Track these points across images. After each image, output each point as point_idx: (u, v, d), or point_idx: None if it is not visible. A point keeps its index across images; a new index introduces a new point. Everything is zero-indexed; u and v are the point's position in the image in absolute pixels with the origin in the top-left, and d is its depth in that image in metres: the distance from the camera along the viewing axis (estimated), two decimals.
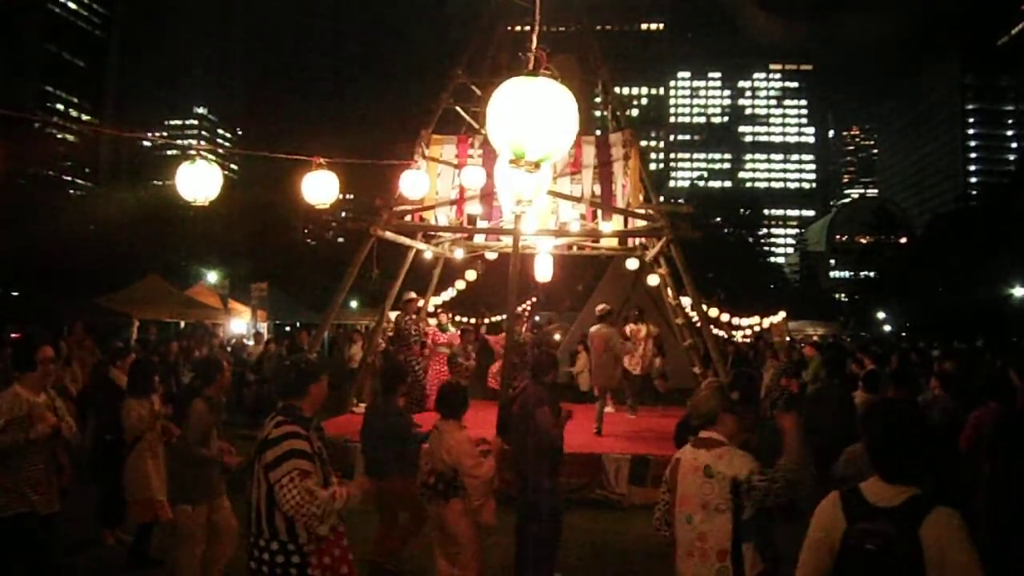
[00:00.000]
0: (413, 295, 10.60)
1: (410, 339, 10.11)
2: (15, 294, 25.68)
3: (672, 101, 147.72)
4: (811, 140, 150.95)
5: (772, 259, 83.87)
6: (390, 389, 5.34)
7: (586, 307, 17.88)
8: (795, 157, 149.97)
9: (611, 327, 9.60)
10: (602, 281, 18.50)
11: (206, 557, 4.47)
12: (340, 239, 43.59)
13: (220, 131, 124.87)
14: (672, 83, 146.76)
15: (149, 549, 5.32)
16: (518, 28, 10.88)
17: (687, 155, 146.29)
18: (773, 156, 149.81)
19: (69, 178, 65.91)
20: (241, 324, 18.32)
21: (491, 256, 12.78)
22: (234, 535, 4.57)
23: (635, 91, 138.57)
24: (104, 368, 7.29)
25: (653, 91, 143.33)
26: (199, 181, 4.79)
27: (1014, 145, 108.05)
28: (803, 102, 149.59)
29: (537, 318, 21.92)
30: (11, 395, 3.96)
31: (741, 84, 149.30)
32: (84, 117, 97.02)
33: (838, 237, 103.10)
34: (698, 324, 10.34)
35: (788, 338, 22.82)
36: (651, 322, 11.87)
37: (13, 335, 12.74)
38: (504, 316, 11.35)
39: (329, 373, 3.33)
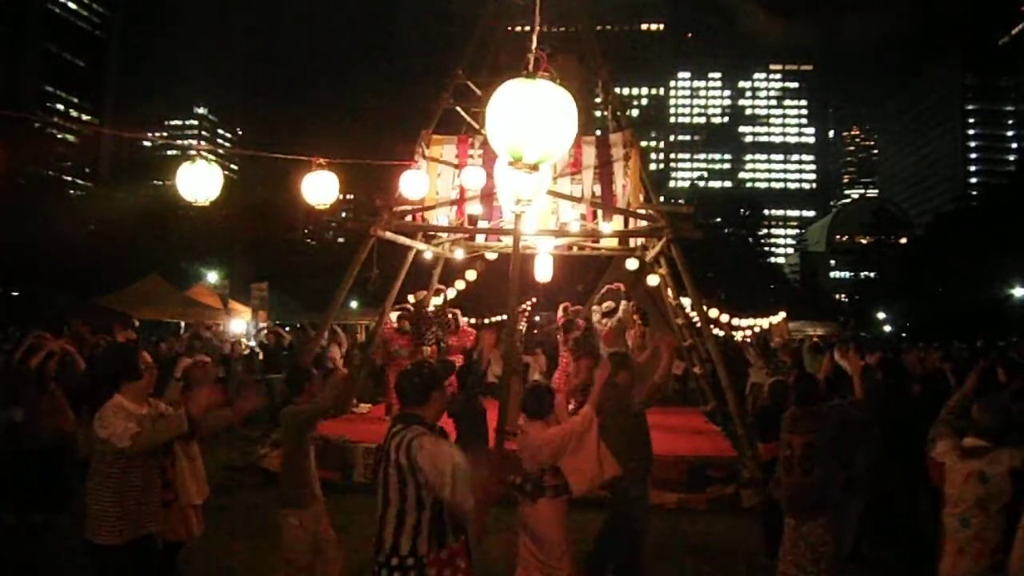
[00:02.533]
0: (420, 295, 10.51)
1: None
2: (15, 294, 25.70)
3: (672, 101, 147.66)
4: (811, 140, 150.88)
5: (772, 259, 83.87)
6: (466, 388, 5.50)
7: (586, 307, 17.86)
8: (795, 157, 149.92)
9: (620, 322, 9.65)
10: (602, 281, 18.49)
11: (312, 568, 4.35)
12: (340, 239, 43.61)
13: (220, 131, 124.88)
14: (672, 83, 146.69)
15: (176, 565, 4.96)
16: (518, 28, 10.88)
17: (687, 155, 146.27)
18: (773, 156, 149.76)
19: (69, 178, 65.88)
20: (241, 324, 18.31)
21: (491, 256, 12.78)
22: (335, 544, 4.51)
23: (635, 91, 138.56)
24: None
25: (653, 91, 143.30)
26: (199, 181, 4.80)
27: (1014, 145, 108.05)
28: (803, 102, 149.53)
29: (537, 318, 21.90)
30: (114, 407, 3.45)
31: (741, 84, 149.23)
32: (84, 117, 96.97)
33: (838, 237, 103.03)
34: (698, 324, 10.34)
35: (816, 338, 22.82)
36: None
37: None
38: (504, 316, 11.33)
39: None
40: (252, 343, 16.42)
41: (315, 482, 4.48)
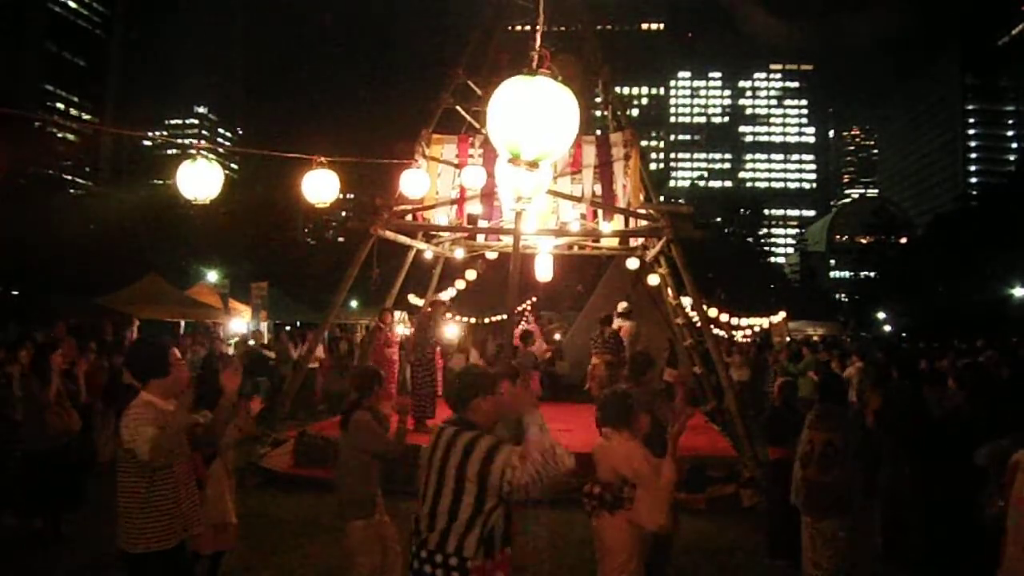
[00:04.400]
0: (439, 297, 10.36)
1: (430, 342, 9.93)
2: (15, 294, 25.68)
3: (672, 101, 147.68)
4: (811, 140, 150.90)
5: (772, 259, 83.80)
6: (638, 383, 5.31)
7: (586, 307, 17.86)
8: (795, 157, 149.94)
9: (634, 321, 9.69)
10: (602, 281, 18.49)
11: (380, 570, 4.34)
12: (340, 239, 43.60)
13: (220, 131, 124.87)
14: (672, 83, 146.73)
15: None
16: (518, 28, 10.89)
17: (687, 155, 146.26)
18: (773, 156, 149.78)
19: (69, 178, 65.81)
20: (241, 324, 18.30)
21: (491, 256, 12.78)
22: (397, 542, 4.46)
23: (635, 91, 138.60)
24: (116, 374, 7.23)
25: (653, 91, 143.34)
26: (200, 180, 4.78)
27: (1014, 145, 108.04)
28: (803, 102, 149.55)
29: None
30: (141, 405, 3.31)
31: (741, 84, 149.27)
32: (84, 117, 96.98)
33: (838, 237, 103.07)
34: (698, 324, 10.34)
35: (788, 338, 22.86)
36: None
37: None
38: (504, 316, 11.33)
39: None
40: (251, 342, 16.43)
41: (377, 487, 4.43)
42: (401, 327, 13.04)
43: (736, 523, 6.88)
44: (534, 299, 22.48)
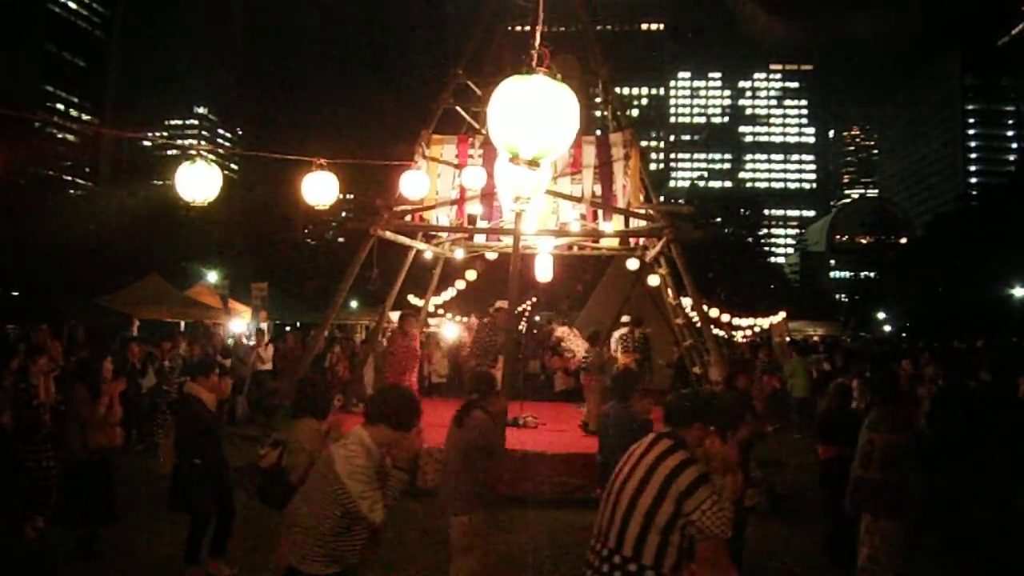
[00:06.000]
0: (503, 304, 9.95)
1: (492, 347, 9.66)
2: (15, 294, 25.68)
3: (672, 101, 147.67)
4: (811, 140, 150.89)
5: (772, 259, 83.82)
6: (625, 397, 5.33)
7: (586, 307, 17.87)
8: (795, 157, 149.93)
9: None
10: (602, 281, 18.49)
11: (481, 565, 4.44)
12: (340, 239, 43.57)
13: (220, 131, 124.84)
14: (672, 83, 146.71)
15: None
16: (518, 28, 10.88)
17: (687, 155, 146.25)
18: (773, 156, 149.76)
19: (69, 178, 65.89)
20: (241, 324, 18.29)
21: (491, 256, 12.78)
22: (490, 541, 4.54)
23: (635, 91, 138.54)
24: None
25: (653, 91, 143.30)
26: (199, 181, 4.77)
27: (1014, 145, 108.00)
28: (803, 102, 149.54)
29: (537, 318, 21.89)
30: (363, 451, 3.12)
31: (741, 84, 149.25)
32: (84, 117, 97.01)
33: (838, 237, 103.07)
34: (698, 324, 10.33)
35: (788, 338, 22.85)
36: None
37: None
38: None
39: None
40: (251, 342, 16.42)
41: (483, 486, 4.48)
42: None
43: (736, 523, 6.86)
44: (534, 299, 22.45)
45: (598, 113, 16.62)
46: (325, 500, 3.07)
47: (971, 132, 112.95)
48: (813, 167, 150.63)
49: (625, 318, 11.97)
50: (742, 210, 68.81)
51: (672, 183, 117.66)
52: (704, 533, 2.82)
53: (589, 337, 10.28)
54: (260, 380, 12.84)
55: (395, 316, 10.68)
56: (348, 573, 3.16)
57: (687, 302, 11.54)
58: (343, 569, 3.12)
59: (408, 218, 10.18)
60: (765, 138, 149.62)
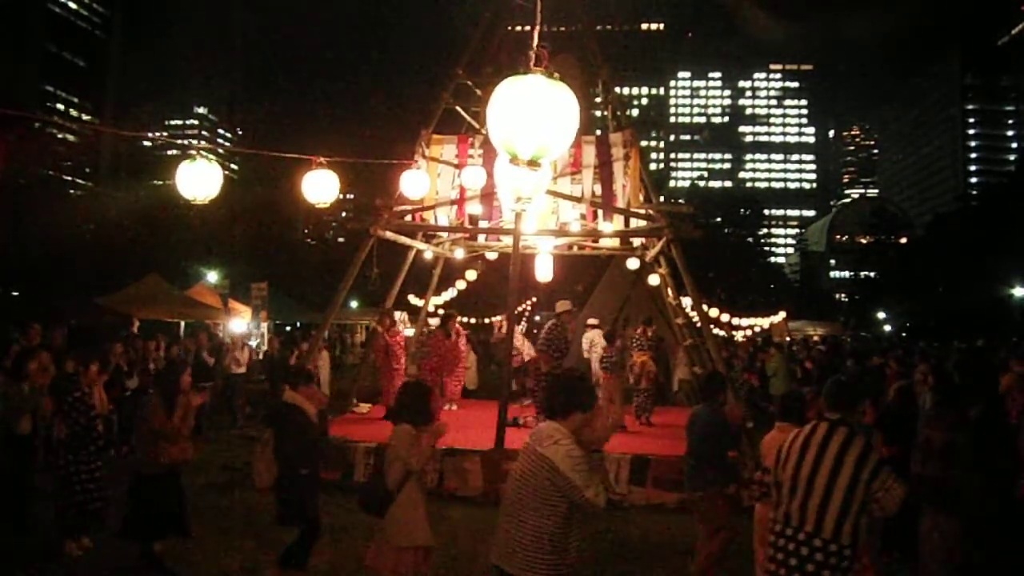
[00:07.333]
0: (567, 305, 9.85)
1: (564, 347, 9.57)
2: (15, 294, 25.68)
3: (672, 101, 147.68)
4: (811, 140, 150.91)
5: (772, 259, 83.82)
6: (710, 396, 5.50)
7: (587, 307, 17.86)
8: (795, 157, 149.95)
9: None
10: (602, 281, 18.49)
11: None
12: (340, 239, 43.58)
13: (220, 131, 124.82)
14: (672, 83, 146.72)
15: None
16: (518, 28, 10.87)
17: (687, 155, 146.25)
18: (773, 156, 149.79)
19: (69, 178, 65.77)
20: (241, 324, 18.30)
21: (491, 256, 12.77)
22: None
23: (635, 91, 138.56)
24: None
25: (653, 91, 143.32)
26: (199, 180, 4.77)
27: (1014, 145, 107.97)
28: (803, 102, 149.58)
29: (537, 318, 21.90)
30: (568, 439, 3.09)
31: (741, 84, 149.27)
32: (84, 117, 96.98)
33: (838, 237, 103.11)
34: (698, 324, 10.34)
35: (788, 338, 22.87)
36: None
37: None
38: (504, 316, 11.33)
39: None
40: (252, 343, 16.43)
41: None
42: (402, 327, 12.95)
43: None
44: (534, 299, 22.49)
45: (598, 113, 16.63)
46: (546, 505, 3.03)
47: (971, 132, 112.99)
48: (813, 167, 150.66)
49: (592, 320, 11.99)
50: (742, 210, 68.81)
51: (672, 183, 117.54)
52: (885, 511, 3.22)
53: (605, 336, 10.39)
54: (233, 383, 12.33)
55: (396, 316, 10.64)
56: None
57: (687, 302, 11.54)
58: None
59: (408, 218, 10.17)
60: (765, 138, 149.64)
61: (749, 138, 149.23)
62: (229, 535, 6.15)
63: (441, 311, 15.87)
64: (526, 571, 3.04)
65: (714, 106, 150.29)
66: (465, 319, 21.62)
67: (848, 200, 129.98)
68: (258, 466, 4.84)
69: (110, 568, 5.38)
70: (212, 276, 24.77)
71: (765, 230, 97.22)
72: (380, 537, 3.94)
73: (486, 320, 24.65)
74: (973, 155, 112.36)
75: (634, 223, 9.95)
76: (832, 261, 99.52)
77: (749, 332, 27.07)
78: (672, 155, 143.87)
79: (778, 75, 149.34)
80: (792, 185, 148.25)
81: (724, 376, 6.51)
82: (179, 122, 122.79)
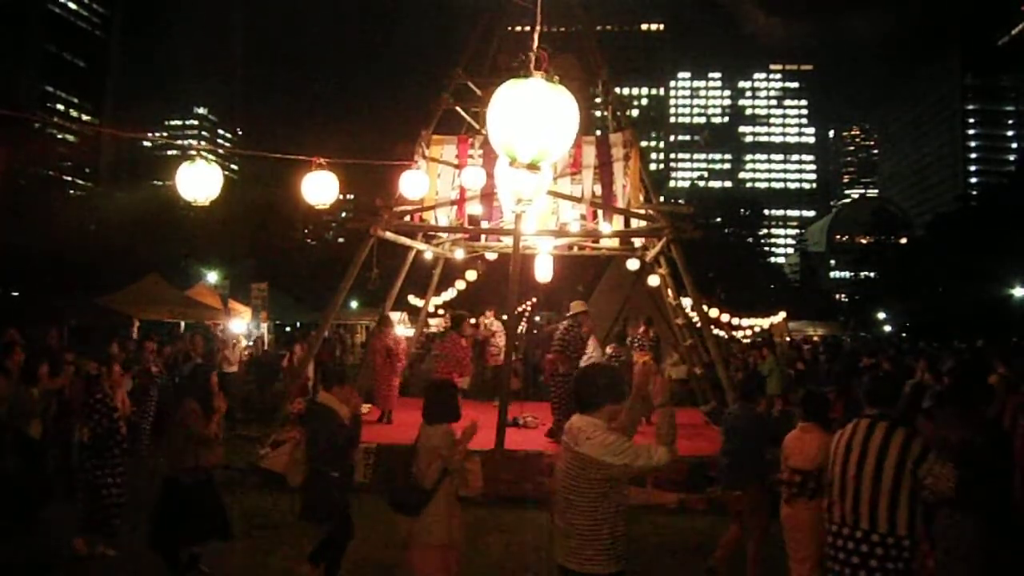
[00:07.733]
0: (584, 306, 9.69)
1: (581, 347, 9.41)
2: (15, 294, 25.68)
3: (672, 101, 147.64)
4: (811, 140, 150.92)
5: (772, 259, 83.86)
6: (748, 395, 5.59)
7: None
8: (795, 157, 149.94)
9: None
10: (602, 281, 18.49)
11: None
12: (340, 239, 43.58)
13: (220, 131, 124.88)
14: (672, 83, 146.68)
15: None
16: (518, 28, 10.87)
17: (687, 155, 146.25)
18: (773, 156, 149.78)
19: (69, 178, 65.82)
20: (241, 324, 18.29)
21: (491, 256, 12.78)
22: None
23: (635, 91, 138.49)
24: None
25: (653, 91, 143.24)
26: (199, 181, 4.78)
27: (1014, 145, 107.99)
28: (803, 102, 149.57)
29: (537, 318, 21.88)
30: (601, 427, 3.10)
31: (741, 84, 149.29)
32: (84, 117, 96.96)
33: (838, 237, 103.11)
34: (698, 324, 10.34)
35: (788, 338, 22.87)
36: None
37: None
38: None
39: None
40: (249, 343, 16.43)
41: None
42: (402, 328, 12.97)
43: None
44: (534, 299, 22.47)
45: (598, 113, 16.63)
46: (597, 496, 3.06)
47: (971, 132, 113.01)
48: (813, 167, 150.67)
49: (564, 322, 11.81)
50: (742, 210, 68.84)
51: (672, 183, 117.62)
52: (937, 495, 3.28)
53: (617, 336, 10.44)
54: (224, 383, 12.37)
55: (563, 325, 10.11)
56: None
57: (687, 302, 11.54)
58: (621, 569, 3.13)
59: (408, 218, 10.18)
60: (765, 138, 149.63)
61: (749, 138, 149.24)
62: (232, 535, 6.12)
63: (441, 311, 15.85)
64: (586, 564, 3.10)
65: (714, 106, 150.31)
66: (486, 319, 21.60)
67: (848, 200, 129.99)
68: (291, 464, 4.87)
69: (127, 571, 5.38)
70: (212, 276, 24.77)
71: (765, 230, 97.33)
72: (418, 538, 3.94)
73: (566, 322, 24.58)
74: (973, 155, 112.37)
75: (634, 223, 9.96)
76: (832, 261, 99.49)
77: (749, 332, 27.07)
78: (672, 155, 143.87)
79: (778, 75, 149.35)
80: (792, 185, 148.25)
81: (760, 375, 6.59)
82: (179, 122, 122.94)
